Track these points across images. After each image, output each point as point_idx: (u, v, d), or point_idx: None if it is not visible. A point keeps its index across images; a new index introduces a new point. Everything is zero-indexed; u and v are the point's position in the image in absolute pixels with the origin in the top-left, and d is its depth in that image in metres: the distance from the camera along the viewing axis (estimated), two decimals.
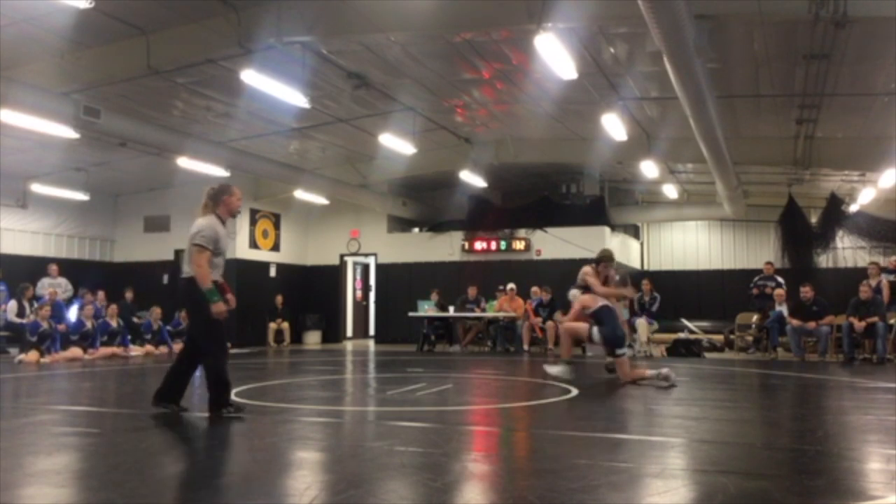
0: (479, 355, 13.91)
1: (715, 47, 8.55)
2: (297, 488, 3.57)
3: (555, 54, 8.15)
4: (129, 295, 15.15)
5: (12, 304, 13.08)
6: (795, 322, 12.01)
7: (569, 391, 7.30)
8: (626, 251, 19.28)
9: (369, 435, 5.33)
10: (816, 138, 12.72)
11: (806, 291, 12.31)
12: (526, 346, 14.10)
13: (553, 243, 16.96)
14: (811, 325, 11.93)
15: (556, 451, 4.45)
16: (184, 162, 13.13)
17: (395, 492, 3.50)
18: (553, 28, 7.76)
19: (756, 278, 14.20)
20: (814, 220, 17.50)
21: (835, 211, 16.75)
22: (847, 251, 17.48)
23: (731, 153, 12.34)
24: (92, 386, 8.74)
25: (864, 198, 15.98)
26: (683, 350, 12.86)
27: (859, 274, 13.64)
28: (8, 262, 14.26)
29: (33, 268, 14.77)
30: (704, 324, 16.95)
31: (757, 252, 19.23)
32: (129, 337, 13.63)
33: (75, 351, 12.26)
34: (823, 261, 17.20)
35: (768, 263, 14.61)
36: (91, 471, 3.99)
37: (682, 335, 14.34)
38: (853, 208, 16.81)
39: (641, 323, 13.23)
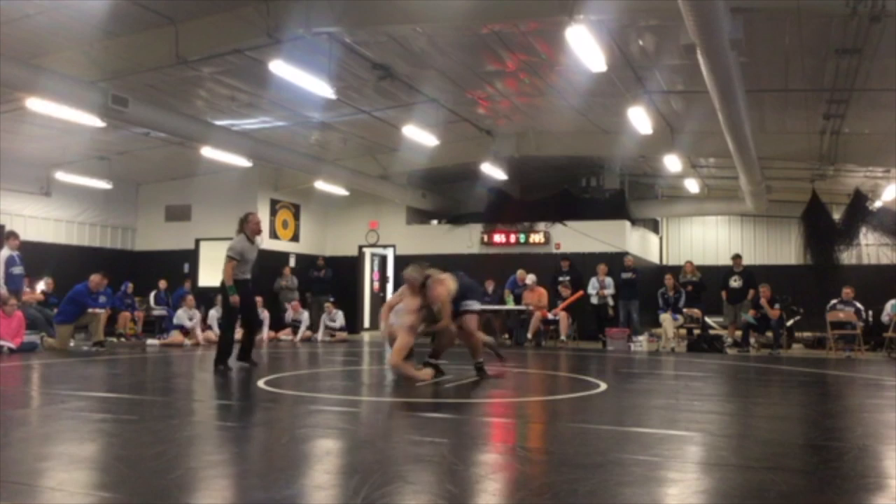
0: (501, 348, 13.87)
1: (745, 41, 8.48)
2: (338, 476, 3.58)
3: (585, 46, 8.10)
4: (162, 283, 15.39)
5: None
6: None
7: (598, 385, 7.29)
8: (646, 245, 19.22)
9: (400, 426, 5.34)
10: (843, 134, 12.60)
11: (847, 293, 12.47)
12: (530, 335, 13.96)
13: (573, 237, 16.91)
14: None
15: (592, 445, 4.43)
16: (206, 151, 13.16)
17: (423, 482, 3.49)
18: (585, 20, 7.72)
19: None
20: (836, 216, 17.36)
21: (859, 207, 16.59)
22: (871, 248, 17.33)
23: (756, 148, 12.25)
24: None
25: (888, 194, 15.83)
26: (706, 346, 12.79)
27: (883, 270, 13.55)
28: (31, 249, 14.36)
29: (56, 256, 14.90)
30: (722, 319, 16.83)
31: (777, 248, 19.11)
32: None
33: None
34: (846, 257, 17.06)
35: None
36: (134, 458, 4.02)
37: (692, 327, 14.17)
38: (877, 204, 16.65)
39: (667, 318, 13.19)
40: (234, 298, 8.24)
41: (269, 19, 8.71)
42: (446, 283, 7.51)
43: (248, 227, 8.55)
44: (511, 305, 14.73)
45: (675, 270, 16.48)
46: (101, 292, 12.49)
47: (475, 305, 7.92)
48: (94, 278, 12.30)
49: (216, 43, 9.54)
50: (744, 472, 3.74)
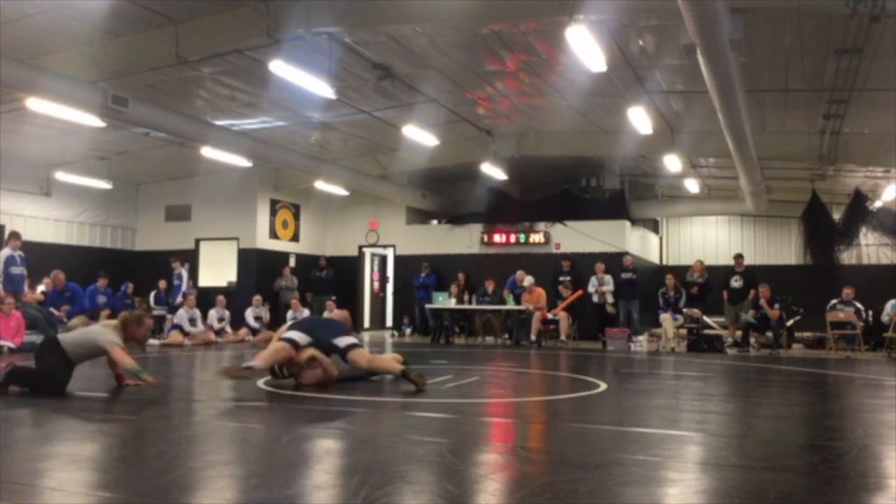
0: (501, 348, 13.91)
1: (745, 41, 8.49)
2: (338, 476, 3.58)
3: (585, 46, 8.10)
4: (162, 284, 15.40)
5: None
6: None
7: (598, 385, 7.29)
8: (646, 245, 19.22)
9: (400, 426, 5.33)
10: (843, 134, 12.61)
11: (848, 293, 12.53)
12: (533, 337, 13.97)
13: (573, 237, 16.92)
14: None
15: (592, 445, 4.43)
16: (206, 151, 13.16)
17: (423, 482, 3.49)
18: (585, 20, 7.72)
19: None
20: (836, 216, 17.36)
21: (859, 207, 16.59)
22: (871, 248, 17.34)
23: (756, 148, 12.26)
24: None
25: (888, 194, 15.83)
26: (706, 346, 12.79)
27: (883, 270, 13.57)
28: (31, 249, 14.35)
29: (56, 256, 14.88)
30: (724, 319, 16.83)
31: (777, 248, 19.10)
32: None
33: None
34: (846, 257, 17.05)
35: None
36: (134, 458, 4.02)
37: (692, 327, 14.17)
38: (877, 204, 16.66)
39: (667, 318, 13.18)
40: None
41: (269, 19, 8.71)
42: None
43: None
44: (511, 305, 14.73)
45: (676, 270, 16.54)
46: (99, 293, 12.56)
47: (346, 340, 7.11)
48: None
49: (216, 43, 9.54)
50: (744, 472, 3.74)
